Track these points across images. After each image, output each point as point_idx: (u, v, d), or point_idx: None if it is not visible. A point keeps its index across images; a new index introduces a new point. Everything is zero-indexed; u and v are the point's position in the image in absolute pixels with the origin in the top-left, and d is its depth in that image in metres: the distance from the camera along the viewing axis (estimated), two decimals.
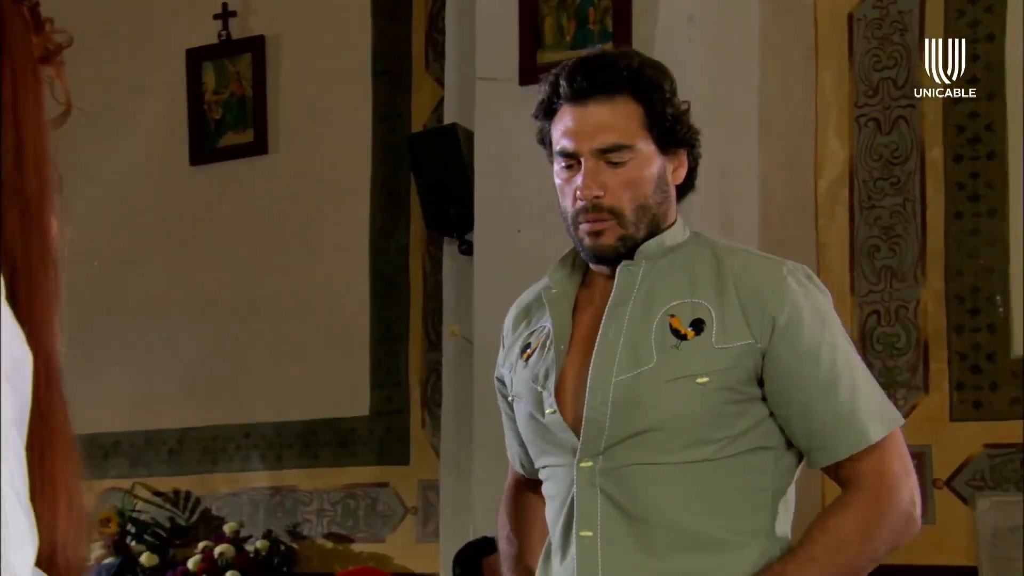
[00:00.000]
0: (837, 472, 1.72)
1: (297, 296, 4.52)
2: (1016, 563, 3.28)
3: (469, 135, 3.90)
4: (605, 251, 1.72)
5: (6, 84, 0.82)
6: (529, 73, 3.74)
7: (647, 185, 1.71)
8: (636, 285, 1.71)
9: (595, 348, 1.70)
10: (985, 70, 3.53)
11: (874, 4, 3.70)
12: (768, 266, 1.72)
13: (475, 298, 3.82)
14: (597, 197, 1.70)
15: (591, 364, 1.70)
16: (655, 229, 1.73)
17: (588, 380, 1.69)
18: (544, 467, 1.78)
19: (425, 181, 4.04)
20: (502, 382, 1.88)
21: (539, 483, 1.81)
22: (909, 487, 1.69)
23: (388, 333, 4.41)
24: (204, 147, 4.71)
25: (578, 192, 1.70)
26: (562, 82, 1.72)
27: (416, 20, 4.43)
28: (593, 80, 1.71)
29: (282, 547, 4.42)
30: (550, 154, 1.77)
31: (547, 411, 1.73)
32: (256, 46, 4.64)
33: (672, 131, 1.73)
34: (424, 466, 4.30)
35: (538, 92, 1.77)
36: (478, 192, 3.84)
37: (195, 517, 4.68)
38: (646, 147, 1.71)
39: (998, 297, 3.48)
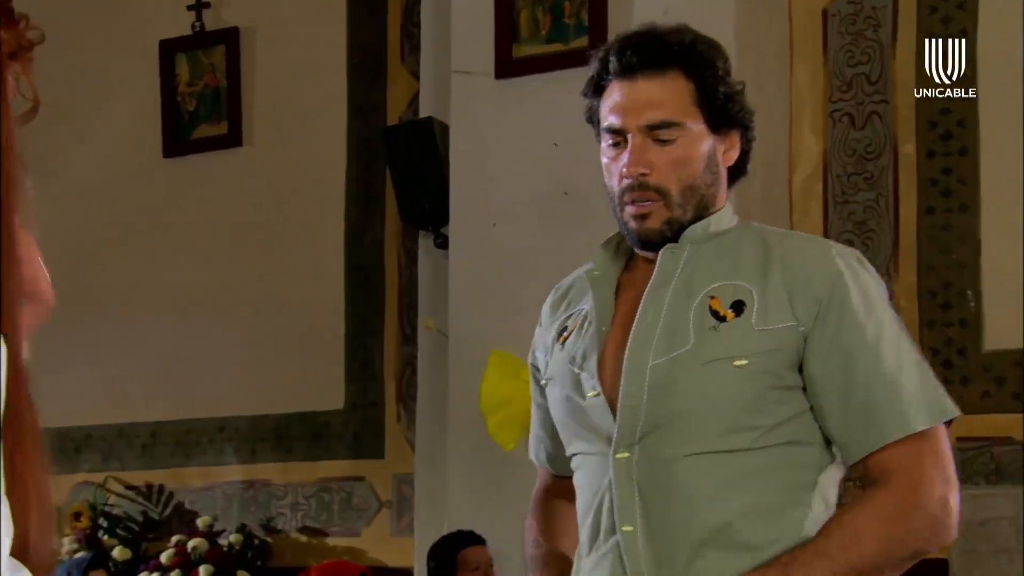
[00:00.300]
0: (867, 468, 1.60)
1: (272, 289, 4.50)
2: (986, 556, 3.31)
3: (445, 129, 3.90)
4: (650, 235, 1.64)
5: None
6: (505, 67, 3.75)
7: (696, 165, 1.64)
8: (678, 269, 1.64)
9: (632, 332, 1.63)
10: None
11: (848, 0, 3.72)
12: (817, 248, 1.66)
13: (450, 292, 3.82)
14: (643, 175, 1.62)
15: (627, 349, 1.62)
16: (703, 212, 1.65)
17: (623, 365, 1.62)
18: (575, 454, 1.70)
19: (400, 174, 4.04)
20: (536, 367, 1.80)
21: (568, 488, 1.72)
22: (941, 488, 1.57)
23: (363, 327, 4.40)
24: (178, 139, 4.69)
25: (624, 170, 1.63)
26: (611, 57, 1.66)
27: (391, 13, 4.42)
28: (643, 54, 1.64)
29: (256, 541, 4.42)
30: (597, 133, 1.70)
31: (589, 394, 1.65)
32: (230, 38, 4.62)
33: (724, 110, 1.65)
34: (399, 460, 4.30)
35: (588, 69, 1.70)
36: (453, 186, 3.84)
37: (168, 511, 4.67)
38: (696, 125, 1.64)
39: (969, 292, 3.51)
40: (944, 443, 1.60)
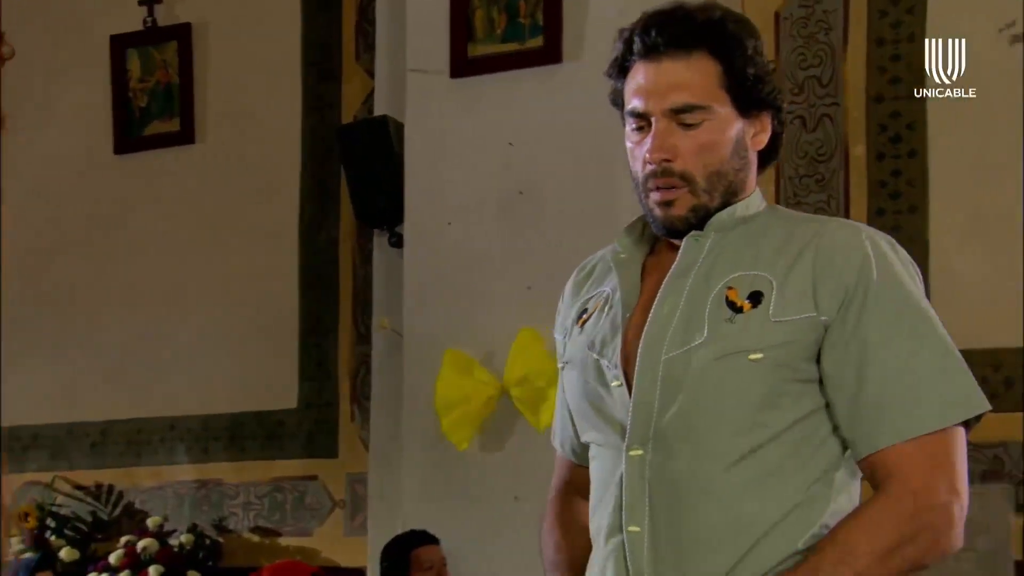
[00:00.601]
0: (871, 469, 1.51)
1: (225, 287, 4.47)
2: (968, 553, 3.35)
3: (399, 127, 3.89)
4: (676, 222, 1.57)
5: None
6: (460, 66, 3.75)
7: (723, 150, 1.57)
8: (701, 257, 1.57)
9: (647, 322, 1.55)
10: (907, 69, 3.61)
11: (800, 3, 3.76)
12: (846, 232, 1.55)
13: (405, 291, 3.82)
14: (666, 161, 1.55)
15: (641, 341, 1.55)
16: (731, 198, 1.59)
17: (637, 358, 1.54)
18: (589, 443, 1.64)
19: (355, 173, 4.02)
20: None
21: (589, 485, 1.65)
22: (943, 496, 1.47)
23: (317, 325, 4.38)
24: (129, 136, 4.64)
25: (647, 155, 1.56)
26: (636, 37, 1.58)
27: (346, 11, 4.41)
28: (667, 34, 1.56)
29: (207, 541, 4.38)
30: (623, 116, 1.62)
31: (612, 384, 1.58)
32: (182, 34, 4.59)
33: (753, 92, 1.57)
34: (353, 459, 4.28)
35: (613, 49, 1.62)
36: (408, 185, 3.84)
37: (118, 511, 4.62)
38: (723, 108, 1.56)
39: None
40: (956, 445, 1.49)
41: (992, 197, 3.49)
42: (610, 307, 1.63)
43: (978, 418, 1.52)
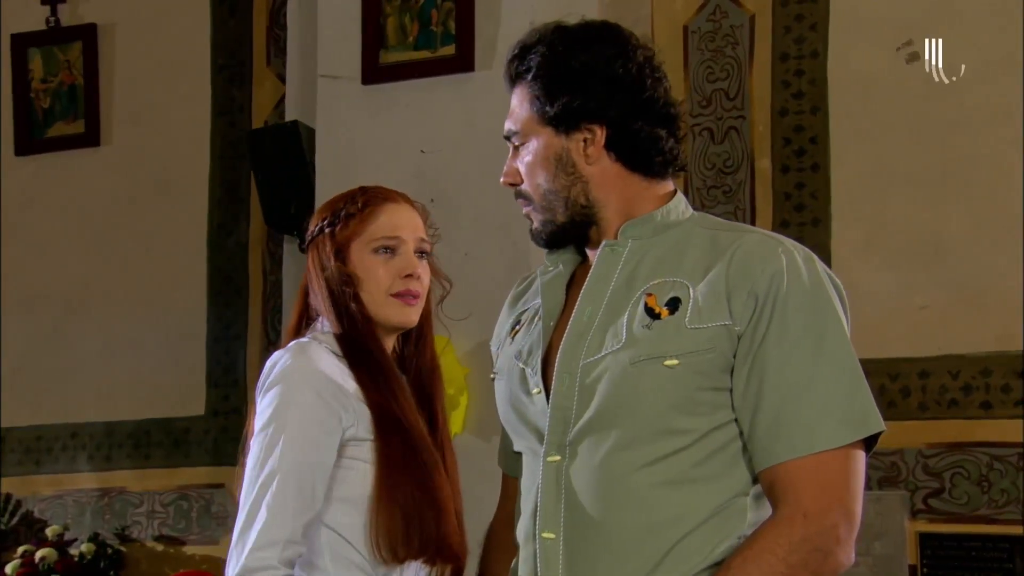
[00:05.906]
0: (767, 483, 1.51)
1: (131, 292, 4.40)
2: (864, 558, 3.41)
3: (311, 133, 3.87)
4: (535, 236, 1.66)
5: None
6: (372, 72, 3.74)
7: (543, 170, 1.62)
8: (619, 264, 1.59)
9: (567, 329, 1.58)
10: (810, 85, 3.70)
11: (708, 17, 3.84)
12: (764, 244, 1.56)
13: None
14: (511, 184, 1.67)
15: (560, 347, 1.57)
16: (581, 210, 1.61)
17: (556, 364, 1.57)
18: (520, 451, 1.66)
19: (265, 178, 3.99)
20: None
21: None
22: (833, 516, 1.47)
23: (226, 331, 4.34)
24: (31, 137, 4.55)
25: None
26: None
27: (257, 14, 4.38)
28: (507, 67, 1.67)
29: (109, 550, 4.31)
30: None
31: (533, 391, 1.61)
32: (87, 34, 4.51)
33: (561, 109, 1.59)
34: None
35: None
36: (319, 191, 3.82)
37: (15, 520, 4.52)
38: (535, 130, 1.63)
39: None
40: (852, 464, 1.49)
41: (891, 210, 3.59)
42: (539, 318, 1.67)
43: (876, 438, 1.53)
